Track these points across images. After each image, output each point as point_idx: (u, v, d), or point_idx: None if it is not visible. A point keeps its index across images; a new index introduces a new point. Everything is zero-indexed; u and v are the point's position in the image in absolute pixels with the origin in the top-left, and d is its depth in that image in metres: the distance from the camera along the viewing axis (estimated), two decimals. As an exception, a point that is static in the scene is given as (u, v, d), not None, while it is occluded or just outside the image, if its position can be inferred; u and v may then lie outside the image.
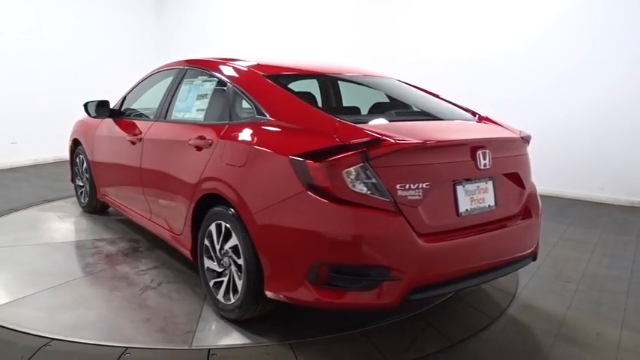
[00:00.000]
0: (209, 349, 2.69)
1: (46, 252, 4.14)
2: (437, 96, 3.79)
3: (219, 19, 9.91)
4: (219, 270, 3.03)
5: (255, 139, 2.85)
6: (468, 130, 3.21)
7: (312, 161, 2.48)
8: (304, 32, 8.91)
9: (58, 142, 8.72)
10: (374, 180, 2.44)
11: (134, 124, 4.16)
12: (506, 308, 3.31)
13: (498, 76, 7.17)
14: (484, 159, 2.77)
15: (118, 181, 4.50)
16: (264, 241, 2.68)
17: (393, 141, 2.46)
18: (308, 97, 3.49)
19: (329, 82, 4.31)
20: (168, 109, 3.85)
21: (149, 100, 4.37)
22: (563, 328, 3.06)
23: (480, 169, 2.78)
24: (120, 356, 2.59)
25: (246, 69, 3.39)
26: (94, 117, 4.56)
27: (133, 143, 4.01)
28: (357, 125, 2.66)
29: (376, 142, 2.46)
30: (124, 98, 4.63)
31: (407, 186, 2.50)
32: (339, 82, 4.30)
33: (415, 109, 3.60)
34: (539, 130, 6.86)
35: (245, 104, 3.18)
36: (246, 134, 2.93)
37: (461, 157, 2.74)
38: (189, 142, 3.27)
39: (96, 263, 3.88)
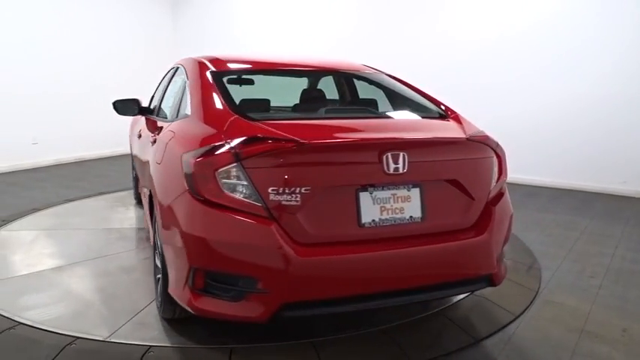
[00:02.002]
0: (231, 348, 2.69)
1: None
2: (417, 90, 3.45)
3: (237, 16, 9.92)
4: (160, 267, 2.91)
5: (170, 137, 2.87)
6: (383, 130, 2.78)
7: (191, 159, 2.38)
8: (320, 29, 8.89)
9: (78, 143, 8.85)
10: (245, 182, 2.27)
11: (155, 122, 4.20)
12: (529, 304, 3.26)
13: (515, 65, 7.08)
14: (395, 162, 2.39)
15: (142, 177, 4.55)
16: (163, 240, 2.66)
17: (266, 140, 2.30)
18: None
19: (298, 76, 4.16)
20: (160, 106, 4.01)
21: (167, 98, 4.40)
22: (589, 324, 3.01)
23: (390, 174, 2.40)
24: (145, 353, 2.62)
25: (198, 65, 3.26)
26: (121, 114, 4.53)
27: (153, 143, 4.04)
28: (253, 123, 2.51)
29: (247, 141, 2.31)
30: (153, 96, 4.68)
31: (280, 190, 2.27)
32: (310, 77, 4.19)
33: (353, 105, 3.55)
34: (561, 123, 6.81)
35: (186, 101, 3.11)
36: (169, 132, 2.95)
37: (363, 160, 2.42)
38: (150, 141, 3.37)
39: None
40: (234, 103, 2.84)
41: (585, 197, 6.38)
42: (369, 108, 3.28)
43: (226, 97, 2.86)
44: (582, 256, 4.21)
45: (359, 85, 4.11)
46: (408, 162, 2.43)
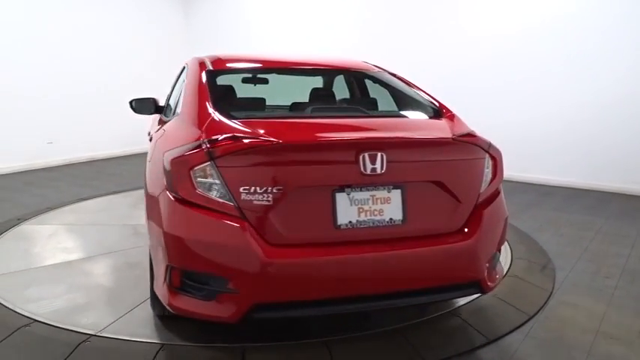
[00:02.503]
0: (244, 347, 2.69)
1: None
2: (417, 89, 3.34)
3: (250, 13, 9.92)
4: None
5: (160, 135, 2.93)
6: (364, 130, 2.70)
7: (169, 157, 2.41)
8: (335, 27, 8.88)
9: (91, 142, 8.93)
10: (218, 181, 2.27)
11: (162, 121, 4.21)
12: (543, 304, 3.23)
13: (532, 65, 7.02)
14: (372, 163, 2.32)
15: None
16: (149, 237, 2.70)
17: (240, 140, 2.30)
18: (230, 91, 3.35)
19: (295, 74, 4.10)
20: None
21: (173, 97, 4.40)
22: (604, 325, 2.97)
23: (367, 175, 2.33)
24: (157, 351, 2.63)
25: (197, 65, 3.25)
26: (138, 113, 4.52)
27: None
28: (233, 122, 2.50)
29: (221, 140, 2.31)
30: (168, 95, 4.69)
31: (252, 189, 2.25)
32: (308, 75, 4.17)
33: (343, 104, 3.55)
34: (577, 124, 6.74)
35: (181, 100, 3.13)
36: (161, 131, 3.00)
37: (339, 160, 2.37)
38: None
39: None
40: (222, 102, 2.86)
41: (601, 197, 6.30)
42: (360, 107, 3.20)
43: (214, 96, 2.85)
44: (597, 256, 4.16)
45: (359, 83, 4.08)
46: (388, 162, 2.35)
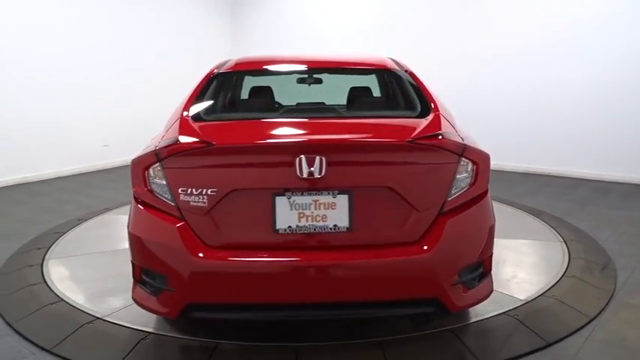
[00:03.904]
0: (297, 347, 2.71)
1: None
2: (417, 87, 3.10)
3: (296, 17, 9.96)
4: None
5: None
6: (311, 132, 2.59)
7: (131, 160, 2.52)
8: (381, 28, 8.83)
9: (145, 145, 9.14)
10: (164, 182, 2.36)
11: None
12: (604, 306, 3.11)
13: (585, 59, 6.79)
14: (310, 166, 2.24)
15: None
16: None
17: (182, 142, 2.37)
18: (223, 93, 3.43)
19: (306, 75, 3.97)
20: None
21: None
22: (671, 329, 2.84)
23: (305, 179, 2.26)
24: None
25: (213, 67, 3.38)
26: None
27: None
28: (193, 124, 2.60)
29: (170, 142, 2.40)
30: None
31: (189, 191, 2.30)
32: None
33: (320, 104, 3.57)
34: (632, 118, 6.46)
35: None
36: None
37: (277, 163, 2.33)
38: None
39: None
40: (209, 104, 2.97)
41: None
42: (336, 107, 3.16)
43: (199, 97, 2.96)
44: (661, 255, 3.98)
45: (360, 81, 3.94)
46: (330, 166, 2.26)
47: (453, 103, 7.17)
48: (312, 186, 2.29)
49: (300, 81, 3.99)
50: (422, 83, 3.13)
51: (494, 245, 2.64)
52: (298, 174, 2.25)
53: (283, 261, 2.31)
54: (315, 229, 2.31)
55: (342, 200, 2.32)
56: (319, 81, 3.92)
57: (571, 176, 7.03)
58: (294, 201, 2.31)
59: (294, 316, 2.50)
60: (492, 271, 2.67)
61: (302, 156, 2.24)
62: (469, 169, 2.43)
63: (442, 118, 2.68)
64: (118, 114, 8.71)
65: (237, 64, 3.45)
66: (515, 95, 7.50)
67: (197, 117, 2.75)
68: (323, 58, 3.79)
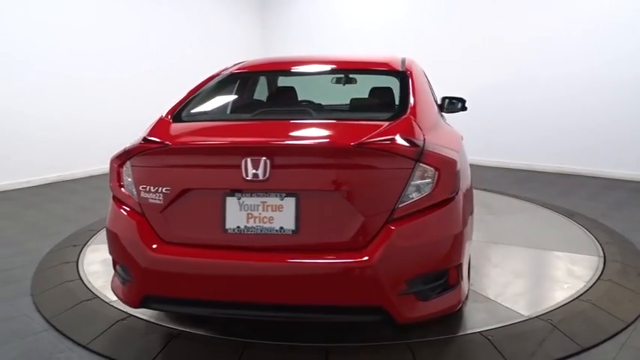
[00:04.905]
0: (327, 347, 2.72)
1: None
2: (409, 89, 2.95)
3: (326, 17, 9.97)
4: None
5: None
6: (264, 134, 2.63)
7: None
8: (411, 30, 8.77)
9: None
10: (130, 179, 2.53)
11: None
12: (642, 311, 3.04)
13: (624, 55, 6.62)
14: (255, 168, 2.28)
15: None
16: None
17: (145, 142, 2.51)
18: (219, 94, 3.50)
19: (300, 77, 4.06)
20: None
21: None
22: None
23: (251, 180, 2.29)
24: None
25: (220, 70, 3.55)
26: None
27: None
28: (164, 125, 2.74)
29: (140, 142, 2.54)
30: None
31: (148, 188, 2.45)
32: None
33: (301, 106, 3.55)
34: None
35: None
36: None
37: (226, 165, 2.38)
38: None
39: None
40: (191, 105, 3.07)
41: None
42: (310, 109, 3.08)
43: (189, 97, 3.12)
44: (702, 259, 3.86)
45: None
46: (275, 169, 2.29)
47: (484, 100, 7.13)
48: (260, 188, 2.34)
49: (336, 80, 4.00)
50: (415, 85, 2.99)
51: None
52: (244, 175, 2.31)
53: (229, 260, 2.36)
54: (262, 231, 2.35)
55: (289, 203, 2.34)
56: (351, 80, 3.92)
57: (606, 177, 6.87)
58: (243, 202, 2.37)
59: (238, 315, 2.54)
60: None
61: (248, 158, 2.30)
62: (428, 175, 2.33)
63: (412, 122, 2.57)
64: (147, 112, 8.83)
65: (239, 67, 3.57)
66: (548, 92, 7.37)
67: (178, 118, 2.89)
68: (323, 60, 3.76)
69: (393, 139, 2.33)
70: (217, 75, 3.44)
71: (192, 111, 3.05)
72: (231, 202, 2.37)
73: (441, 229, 2.38)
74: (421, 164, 2.31)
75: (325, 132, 2.62)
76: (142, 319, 3.04)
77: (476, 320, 2.93)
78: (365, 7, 9.29)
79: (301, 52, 9.53)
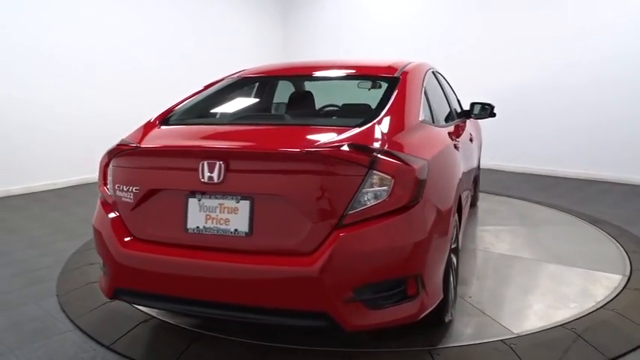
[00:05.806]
0: (349, 352, 2.72)
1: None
2: (393, 96, 2.90)
3: (347, 20, 10.00)
4: None
5: None
6: (225, 138, 2.73)
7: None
8: (431, 32, 8.75)
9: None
10: (111, 178, 2.70)
11: None
12: (669, 321, 2.97)
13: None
14: (210, 171, 2.36)
15: None
16: None
17: (122, 144, 2.68)
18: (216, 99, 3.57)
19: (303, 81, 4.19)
20: None
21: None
22: None
23: (206, 183, 2.37)
24: (264, 353, 2.71)
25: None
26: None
27: None
28: (147, 128, 2.88)
29: (119, 143, 2.70)
30: None
31: (121, 187, 2.61)
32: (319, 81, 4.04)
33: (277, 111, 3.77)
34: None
35: None
36: None
37: (185, 167, 2.46)
38: None
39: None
40: (183, 109, 3.19)
41: None
42: (284, 114, 3.21)
43: (182, 102, 3.28)
44: None
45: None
46: (229, 172, 2.36)
47: (509, 105, 7.06)
48: (216, 190, 2.42)
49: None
50: (400, 91, 2.94)
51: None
52: (200, 178, 2.40)
53: (188, 259, 2.43)
54: (218, 232, 2.43)
55: (244, 206, 2.39)
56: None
57: (633, 183, 6.74)
58: (203, 203, 2.46)
59: (199, 312, 2.65)
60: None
61: (204, 161, 2.39)
62: (385, 182, 2.28)
63: (374, 129, 2.54)
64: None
65: (238, 74, 3.75)
66: (575, 98, 7.27)
67: (166, 121, 3.03)
68: (324, 65, 3.80)
69: (341, 146, 2.31)
70: (218, 82, 3.62)
71: (181, 115, 3.15)
72: (193, 203, 2.47)
73: (395, 237, 2.32)
74: (375, 171, 2.28)
75: (283, 138, 2.64)
76: (165, 321, 3.08)
77: (496, 328, 2.90)
78: (389, 10, 9.31)
79: (321, 56, 9.56)
